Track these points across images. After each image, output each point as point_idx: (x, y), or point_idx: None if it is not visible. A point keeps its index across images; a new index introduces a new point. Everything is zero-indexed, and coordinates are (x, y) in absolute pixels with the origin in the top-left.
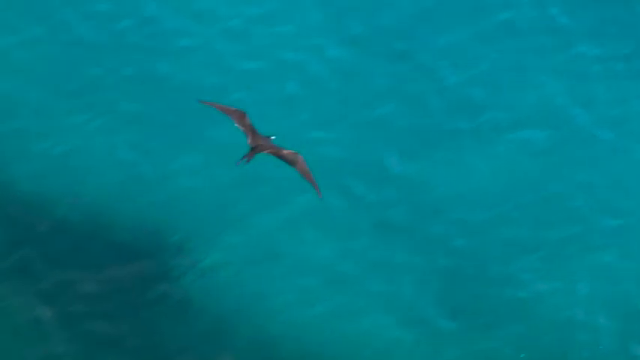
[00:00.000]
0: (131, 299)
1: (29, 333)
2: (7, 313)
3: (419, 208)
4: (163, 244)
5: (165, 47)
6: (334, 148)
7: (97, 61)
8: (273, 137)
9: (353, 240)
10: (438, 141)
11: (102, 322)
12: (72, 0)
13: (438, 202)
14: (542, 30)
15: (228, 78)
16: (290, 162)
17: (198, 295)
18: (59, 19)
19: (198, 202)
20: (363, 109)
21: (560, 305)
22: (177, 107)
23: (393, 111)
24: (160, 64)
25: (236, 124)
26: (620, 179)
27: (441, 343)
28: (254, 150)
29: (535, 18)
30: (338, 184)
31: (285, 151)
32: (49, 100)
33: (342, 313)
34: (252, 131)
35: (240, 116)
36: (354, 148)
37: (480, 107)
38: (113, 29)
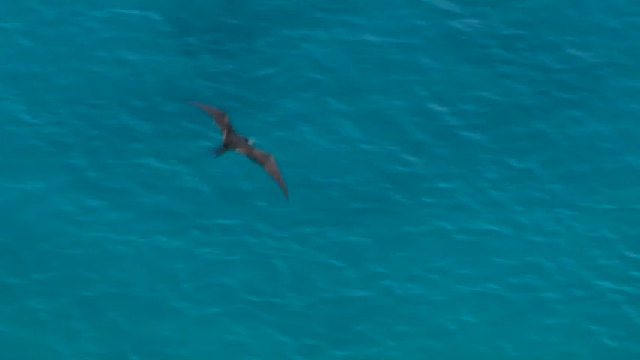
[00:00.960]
0: None
1: None
2: None
3: None
4: None
5: None
6: None
7: None
8: (252, 140)
9: None
10: None
11: None
12: None
13: None
14: None
15: None
16: (260, 162)
17: None
18: None
19: None
20: None
21: None
22: None
23: None
24: None
25: (215, 122)
26: None
27: None
28: (226, 147)
29: None
30: None
31: (256, 151)
32: None
33: None
34: (228, 130)
35: (221, 115)
36: None
37: None
38: None
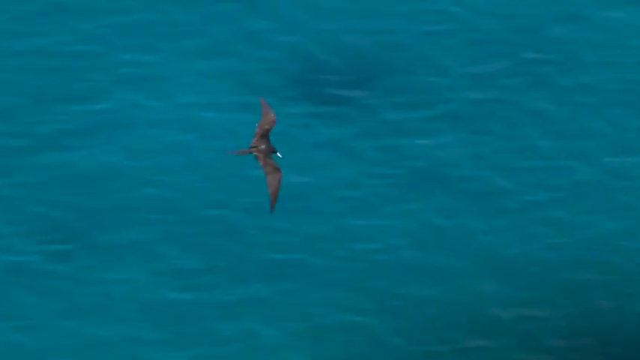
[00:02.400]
0: None
1: None
2: None
3: None
4: None
5: None
6: None
7: None
8: (279, 154)
9: None
10: None
11: None
12: None
13: None
14: None
15: None
16: (266, 171)
17: None
18: None
19: None
20: None
21: None
22: None
23: None
24: None
25: (260, 122)
26: None
27: None
28: (250, 149)
29: None
30: None
31: (269, 161)
32: None
33: None
34: (262, 135)
35: (269, 121)
36: None
37: None
38: None
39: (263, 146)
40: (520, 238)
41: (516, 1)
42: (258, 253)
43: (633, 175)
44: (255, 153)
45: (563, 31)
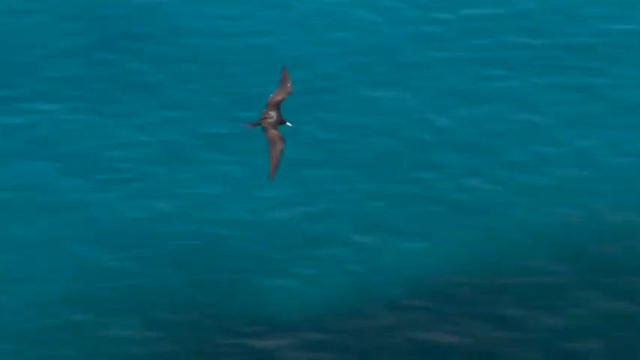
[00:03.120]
0: None
1: None
2: None
3: None
4: None
5: None
6: None
7: None
8: (289, 124)
9: None
10: None
11: None
12: None
13: None
14: None
15: None
16: (270, 140)
17: None
18: None
19: None
20: None
21: None
22: None
23: None
24: None
25: (275, 91)
26: None
27: None
28: (261, 121)
29: None
30: None
31: (275, 132)
32: None
33: None
34: (274, 106)
35: (285, 91)
36: None
37: None
38: None
39: (274, 117)
40: (135, 210)
41: None
42: None
43: (228, 143)
44: (264, 125)
45: (159, 4)
